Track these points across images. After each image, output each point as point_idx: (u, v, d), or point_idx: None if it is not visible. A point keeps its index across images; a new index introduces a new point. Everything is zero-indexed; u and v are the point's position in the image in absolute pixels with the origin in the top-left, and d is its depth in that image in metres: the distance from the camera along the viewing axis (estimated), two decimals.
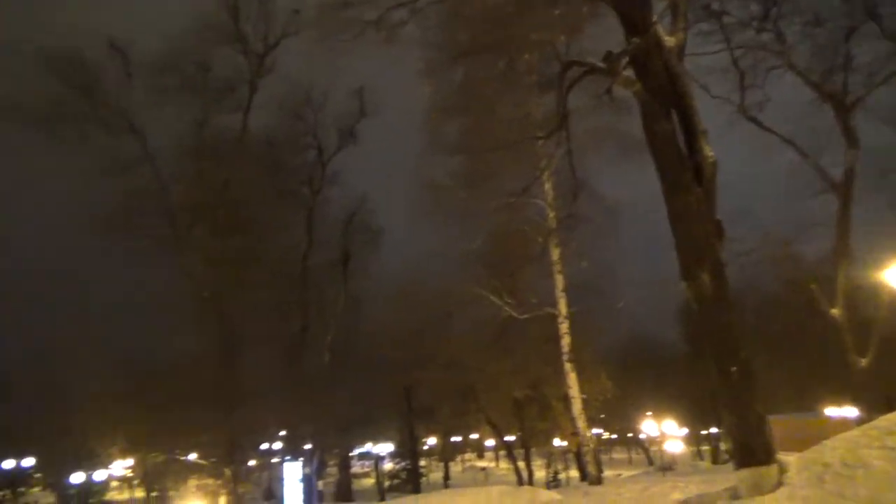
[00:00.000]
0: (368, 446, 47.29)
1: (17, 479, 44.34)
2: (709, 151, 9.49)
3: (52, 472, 45.42)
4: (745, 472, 8.56)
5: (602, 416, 34.88)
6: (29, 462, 44.94)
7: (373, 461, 48.94)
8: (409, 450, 41.34)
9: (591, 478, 21.90)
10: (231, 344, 24.58)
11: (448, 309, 28.53)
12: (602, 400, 26.88)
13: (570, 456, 37.93)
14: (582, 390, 22.37)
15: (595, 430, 32.22)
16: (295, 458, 27.79)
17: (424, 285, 29.54)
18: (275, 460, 36.88)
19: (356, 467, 47.30)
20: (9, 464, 42.79)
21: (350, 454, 40.56)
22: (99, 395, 29.89)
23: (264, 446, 35.70)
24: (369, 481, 47.35)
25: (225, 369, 24.22)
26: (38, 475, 50.17)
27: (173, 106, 25.20)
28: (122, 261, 24.83)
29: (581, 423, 22.16)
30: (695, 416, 46.78)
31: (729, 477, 10.41)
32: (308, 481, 27.45)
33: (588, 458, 22.84)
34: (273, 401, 27.46)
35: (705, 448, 57.31)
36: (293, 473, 26.77)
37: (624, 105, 14.72)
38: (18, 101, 22.35)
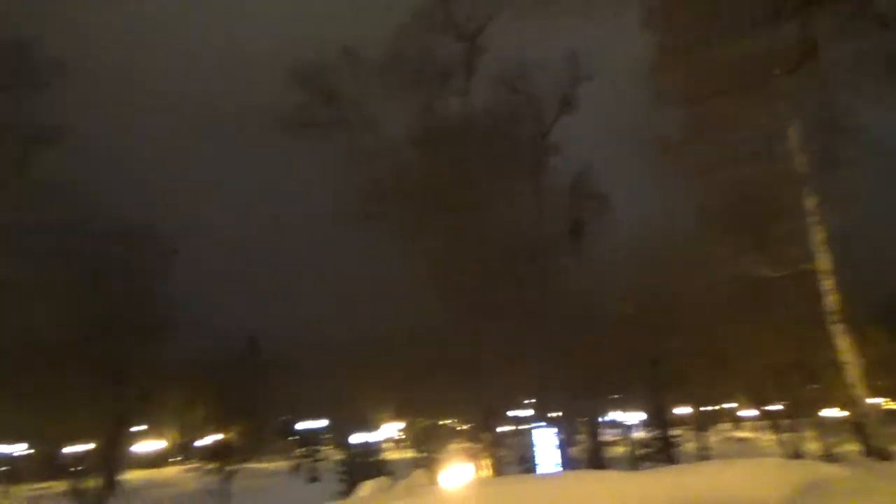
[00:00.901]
0: (617, 414, 46.68)
1: (312, 439, 52.05)
2: None
3: (338, 434, 52.40)
4: None
5: (883, 382, 30.20)
6: (321, 424, 52.51)
7: (623, 430, 48.31)
8: (658, 419, 39.99)
9: (877, 452, 19.15)
10: (474, 316, 25.87)
11: (690, 270, 26.84)
12: (886, 365, 23.33)
13: (847, 427, 33.54)
14: (859, 354, 19.56)
15: (877, 399, 28.09)
16: (546, 425, 28.50)
17: (661, 248, 28.09)
18: (526, 427, 38.29)
19: (606, 436, 47.04)
20: (305, 426, 50.41)
21: (599, 422, 40.45)
22: (371, 366, 33.69)
23: (516, 413, 37.06)
24: (619, 450, 46.83)
25: (470, 340, 25.65)
26: (328, 436, 58.38)
27: (400, 97, 27.00)
28: (375, 243, 27.43)
29: (859, 390, 19.42)
30: None
31: None
32: (561, 447, 28.01)
33: (871, 431, 19.99)
34: (519, 369, 28.39)
35: None
36: (545, 439, 27.49)
37: (890, 20, 12.33)
38: (268, 109, 25.83)
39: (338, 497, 33.29)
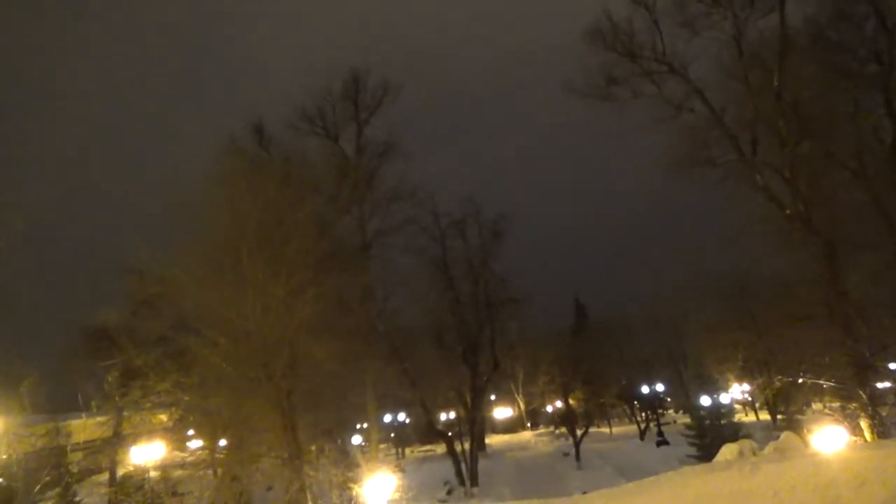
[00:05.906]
0: None
1: (654, 402, 51.25)
2: None
3: (679, 396, 50.62)
4: None
5: None
6: (660, 388, 51.46)
7: None
8: None
9: None
10: (831, 256, 22.46)
11: None
12: None
13: None
14: None
15: None
16: None
17: None
18: None
19: None
20: (645, 389, 49.86)
21: None
22: (710, 324, 31.58)
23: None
24: None
25: (830, 284, 22.30)
26: (668, 399, 56.83)
27: (704, 33, 24.68)
28: (704, 194, 25.74)
29: None
30: None
31: None
32: None
33: None
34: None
35: None
36: None
37: None
38: (573, 79, 25.78)
39: (692, 461, 32.20)
